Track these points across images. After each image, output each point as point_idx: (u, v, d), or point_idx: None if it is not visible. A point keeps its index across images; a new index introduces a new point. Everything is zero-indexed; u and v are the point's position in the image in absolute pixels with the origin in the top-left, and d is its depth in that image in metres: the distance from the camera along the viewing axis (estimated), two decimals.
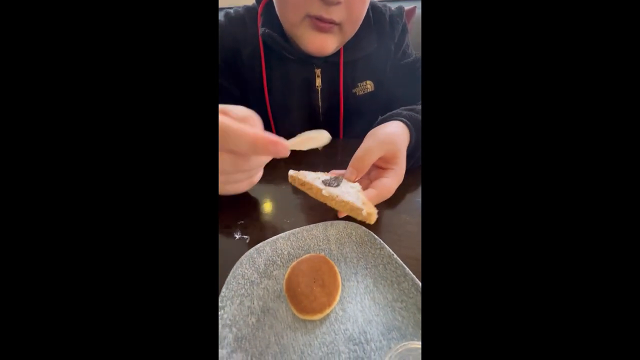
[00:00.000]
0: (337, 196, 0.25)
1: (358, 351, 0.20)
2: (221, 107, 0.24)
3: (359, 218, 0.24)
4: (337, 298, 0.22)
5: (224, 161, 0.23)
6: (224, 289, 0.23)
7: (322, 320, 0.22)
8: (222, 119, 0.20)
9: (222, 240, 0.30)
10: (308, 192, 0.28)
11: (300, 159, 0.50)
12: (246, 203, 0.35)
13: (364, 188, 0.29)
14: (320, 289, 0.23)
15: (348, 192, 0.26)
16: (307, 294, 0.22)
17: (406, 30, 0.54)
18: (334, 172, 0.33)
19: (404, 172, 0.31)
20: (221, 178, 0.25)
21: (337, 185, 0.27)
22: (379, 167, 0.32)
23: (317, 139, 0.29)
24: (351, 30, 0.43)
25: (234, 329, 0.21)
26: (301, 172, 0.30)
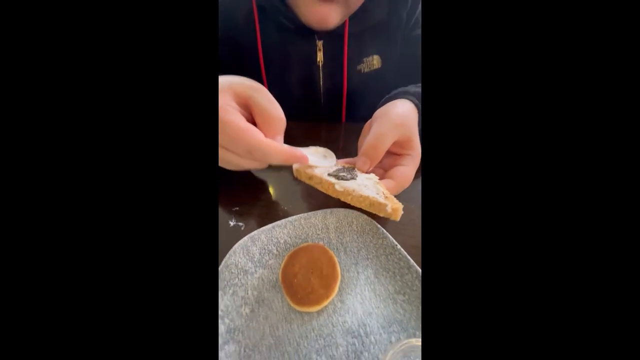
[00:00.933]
0: (353, 191, 0.22)
1: (357, 344, 0.19)
2: (247, 87, 0.24)
3: (382, 214, 0.22)
4: (336, 289, 0.21)
5: (248, 163, 0.24)
6: None
7: (319, 312, 0.21)
8: (256, 135, 0.21)
9: None
10: (317, 186, 0.25)
11: (300, 145, 0.48)
12: (242, 189, 0.33)
13: (380, 178, 0.26)
14: (318, 280, 0.21)
15: (365, 185, 0.23)
16: (304, 285, 0.21)
17: None
18: (342, 162, 0.29)
19: (420, 156, 0.28)
20: (236, 162, 0.25)
21: (352, 178, 0.24)
22: (393, 154, 0.29)
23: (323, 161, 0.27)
24: (358, 1, 0.39)
25: (226, 320, 0.20)
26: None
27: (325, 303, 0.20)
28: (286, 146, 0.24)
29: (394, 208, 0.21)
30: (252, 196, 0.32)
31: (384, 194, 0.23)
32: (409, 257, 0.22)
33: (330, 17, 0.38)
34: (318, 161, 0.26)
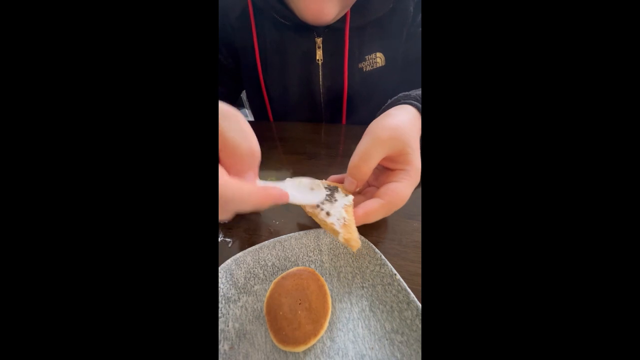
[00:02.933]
0: (319, 213, 0.22)
1: None
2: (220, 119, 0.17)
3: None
4: (326, 325, 0.19)
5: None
6: None
7: (305, 352, 0.18)
8: (223, 179, 0.15)
9: None
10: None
11: (299, 150, 0.45)
12: None
13: (371, 196, 0.24)
14: (306, 313, 0.19)
15: (333, 209, 0.22)
16: (290, 319, 0.19)
17: None
18: (332, 178, 0.28)
19: (419, 170, 0.25)
20: None
21: (329, 200, 0.23)
22: (387, 169, 0.26)
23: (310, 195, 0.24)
24: None
25: None
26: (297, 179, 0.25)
27: (313, 342, 0.18)
28: (259, 186, 0.19)
29: (345, 239, 0.20)
30: None
31: (344, 222, 0.21)
32: (409, 290, 0.20)
33: (326, 10, 0.34)
34: (302, 197, 0.22)
